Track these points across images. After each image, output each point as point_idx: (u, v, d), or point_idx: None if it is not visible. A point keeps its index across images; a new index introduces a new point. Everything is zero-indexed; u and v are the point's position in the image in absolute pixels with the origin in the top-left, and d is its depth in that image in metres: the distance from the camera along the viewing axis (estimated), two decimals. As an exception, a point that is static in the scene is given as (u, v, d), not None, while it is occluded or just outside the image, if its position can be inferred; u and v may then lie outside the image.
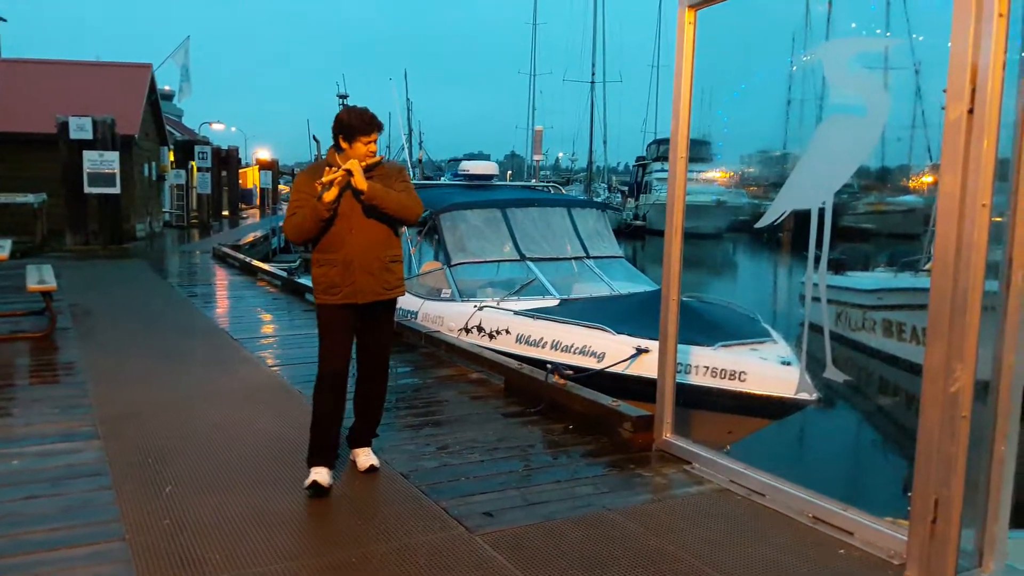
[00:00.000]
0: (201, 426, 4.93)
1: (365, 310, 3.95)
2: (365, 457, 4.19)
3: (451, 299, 8.07)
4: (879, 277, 13.54)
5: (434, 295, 8.35)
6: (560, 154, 75.92)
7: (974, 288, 2.71)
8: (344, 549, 3.31)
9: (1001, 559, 3.01)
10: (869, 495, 6.81)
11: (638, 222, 39.19)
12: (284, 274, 12.66)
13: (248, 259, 14.96)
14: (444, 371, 6.52)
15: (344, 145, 3.84)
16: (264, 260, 17.41)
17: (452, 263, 8.35)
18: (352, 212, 3.83)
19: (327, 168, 3.81)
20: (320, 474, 3.86)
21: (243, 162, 42.93)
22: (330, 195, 3.75)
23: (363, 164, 3.79)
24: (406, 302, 8.70)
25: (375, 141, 3.84)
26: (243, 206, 37.91)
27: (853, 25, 4.14)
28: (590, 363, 6.24)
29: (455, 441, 4.73)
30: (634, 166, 48.53)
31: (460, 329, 7.50)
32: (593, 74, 51.39)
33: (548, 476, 4.21)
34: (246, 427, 4.93)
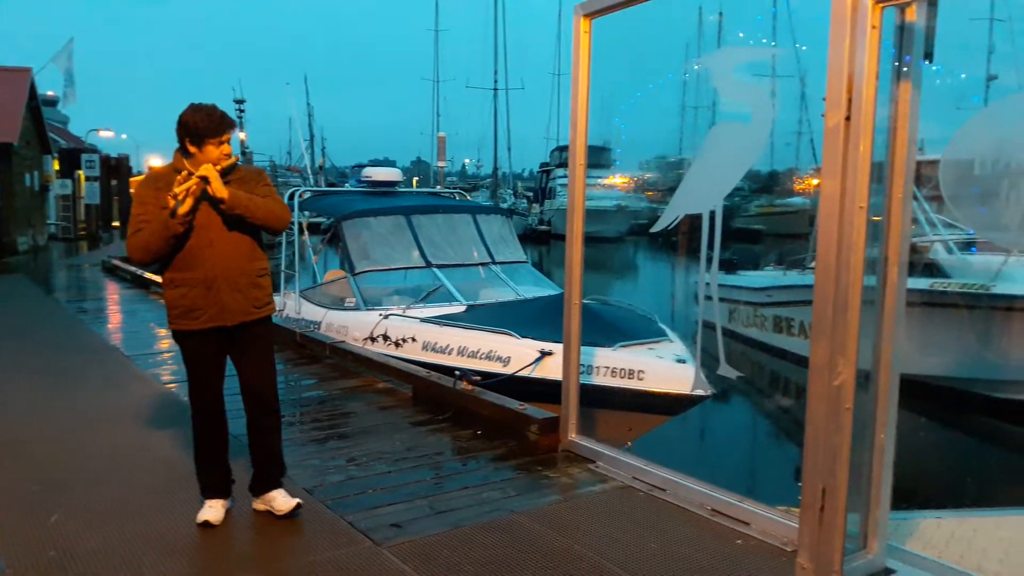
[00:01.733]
0: (92, 450, 4.69)
1: (235, 334, 3.53)
2: (284, 500, 3.69)
3: (356, 308, 7.96)
4: (768, 275, 14.20)
5: (338, 304, 8.22)
6: (466, 160, 76.08)
7: (854, 286, 2.86)
8: (246, 571, 3.21)
9: (883, 540, 3.19)
10: (764, 486, 7.11)
11: (543, 227, 39.73)
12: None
13: (141, 272, 14.35)
14: (350, 382, 6.42)
15: (193, 149, 3.38)
16: (158, 273, 16.67)
17: (356, 271, 8.24)
18: (210, 224, 3.39)
19: (177, 176, 3.35)
20: (212, 509, 3.59)
21: (135, 170, 41.15)
22: (185, 207, 3.29)
23: (218, 169, 3.34)
24: (308, 312, 8.54)
25: (228, 141, 3.43)
26: (135, 216, 36.21)
27: (741, 35, 4.33)
28: (496, 368, 6.28)
29: (362, 453, 4.67)
30: (538, 172, 49.16)
31: (366, 338, 7.42)
32: (496, 81, 51.78)
33: (457, 483, 4.20)
34: (141, 449, 4.72)
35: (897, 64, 3.04)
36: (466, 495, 4.01)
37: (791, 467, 7.58)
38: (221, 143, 3.41)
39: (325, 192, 12.53)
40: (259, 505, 3.76)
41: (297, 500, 3.70)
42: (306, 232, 9.33)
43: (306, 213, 9.65)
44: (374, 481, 4.21)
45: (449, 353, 6.71)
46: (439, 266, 8.28)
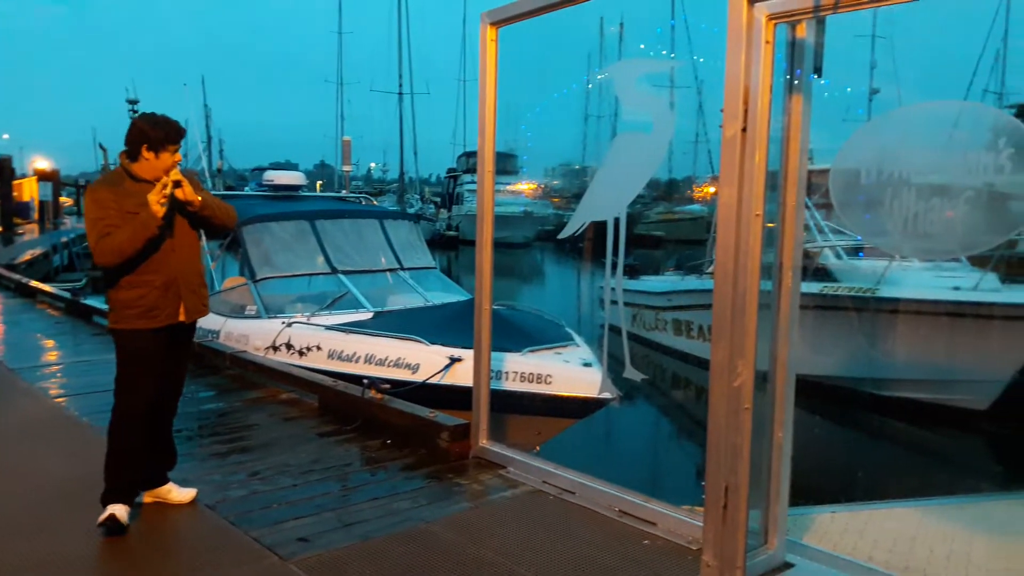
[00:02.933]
0: (-31, 470, 4.38)
1: (174, 332, 3.70)
2: (180, 491, 3.90)
3: (257, 316, 7.72)
4: (669, 280, 14.64)
5: (238, 312, 7.96)
6: (372, 164, 75.13)
7: (751, 290, 2.97)
8: (143, 592, 3.07)
9: (783, 535, 3.32)
10: (670, 485, 7.31)
11: (451, 232, 39.70)
12: (68, 295, 11.54)
13: (25, 280, 13.55)
14: (252, 393, 6.23)
15: (148, 155, 3.54)
16: (44, 280, 15.80)
17: (257, 278, 8.01)
18: (173, 227, 3.60)
19: (158, 180, 3.51)
20: (118, 508, 3.54)
21: (18, 172, 38.85)
22: (162, 210, 3.46)
23: (172, 175, 3.55)
24: (207, 321, 8.24)
25: (179, 150, 3.64)
26: (19, 221, 34.29)
27: (642, 46, 4.43)
28: (405, 375, 6.21)
29: (266, 467, 4.53)
30: (446, 177, 49.14)
31: (268, 348, 7.21)
32: (401, 85, 51.42)
33: (366, 494, 4.14)
34: (28, 466, 4.45)
35: (789, 78, 3.18)
36: (375, 506, 3.95)
37: (695, 467, 7.82)
38: (175, 151, 3.61)
39: (224, 196, 12.13)
40: (149, 498, 3.86)
41: (195, 489, 3.91)
42: (203, 237, 9.00)
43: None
44: (279, 495, 4.09)
45: (356, 361, 6.60)
46: (345, 272, 8.13)
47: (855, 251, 11.43)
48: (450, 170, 47.62)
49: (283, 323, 7.32)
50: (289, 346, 7.09)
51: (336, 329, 7.02)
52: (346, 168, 21.65)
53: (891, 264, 10.25)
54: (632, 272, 14.34)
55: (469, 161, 40.25)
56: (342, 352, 6.73)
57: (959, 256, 8.89)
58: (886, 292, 10.10)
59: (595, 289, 7.67)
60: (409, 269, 8.74)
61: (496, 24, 4.28)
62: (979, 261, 10.06)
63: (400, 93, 51.36)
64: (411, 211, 36.85)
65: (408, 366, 6.32)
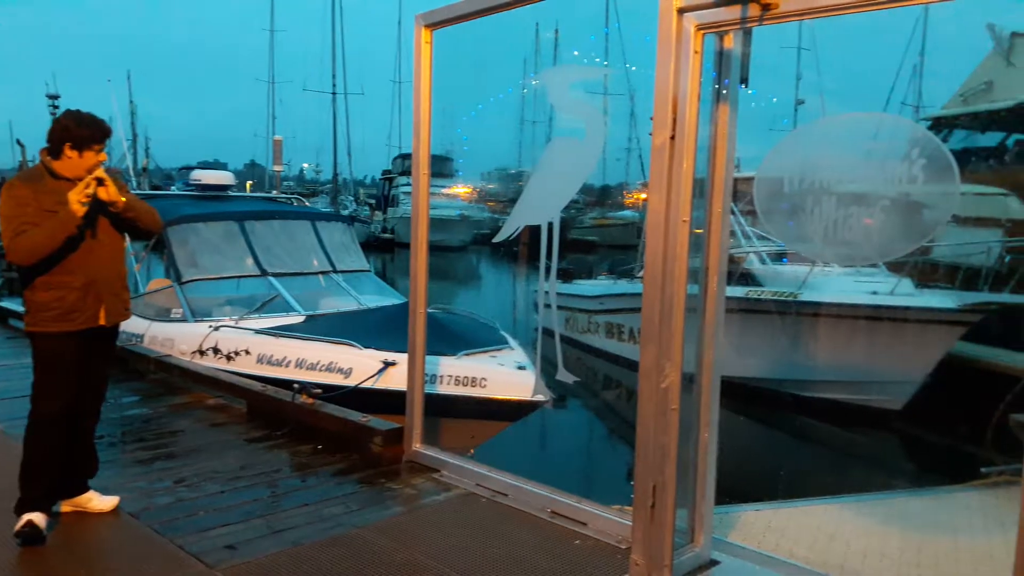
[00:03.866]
0: None
1: (94, 336, 3.59)
2: (101, 499, 3.79)
3: (183, 319, 7.52)
4: (601, 284, 14.88)
5: (163, 315, 7.73)
6: (305, 165, 73.90)
7: (678, 294, 3.05)
8: (60, 605, 2.96)
9: (709, 533, 3.40)
10: (601, 486, 7.40)
11: (387, 235, 39.36)
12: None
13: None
14: (178, 399, 6.07)
15: (71, 154, 3.45)
16: (26, 276, 14.98)
17: (183, 280, 7.80)
18: (93, 227, 3.50)
19: (80, 179, 3.41)
20: (35, 516, 3.41)
21: (-76, 168, 36.90)
22: (82, 209, 3.37)
23: (96, 173, 3.46)
24: (130, 325, 7.98)
25: (103, 149, 3.55)
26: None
27: (576, 53, 4.49)
28: (338, 380, 6.14)
29: (192, 473, 4.42)
30: (381, 179, 48.66)
31: (194, 352, 7.03)
32: (334, 85, 50.75)
33: (296, 500, 4.07)
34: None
35: (717, 87, 3.27)
36: (306, 512, 3.89)
37: (626, 467, 7.94)
38: (100, 150, 3.53)
39: (149, 195, 11.77)
40: (67, 507, 3.73)
41: (116, 497, 3.81)
42: (127, 238, 8.73)
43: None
44: (206, 502, 4.00)
45: (287, 366, 6.49)
46: (275, 275, 7.99)
47: (779, 256, 11.80)
48: (385, 172, 47.18)
49: (210, 327, 7.15)
50: (216, 350, 6.93)
51: (266, 333, 6.90)
52: (277, 168, 21.21)
53: (813, 269, 10.61)
54: (566, 276, 14.51)
55: (405, 163, 39.95)
56: (272, 356, 6.61)
57: (877, 262, 9.27)
58: (808, 296, 10.45)
59: (530, 293, 7.73)
60: (342, 272, 8.64)
61: (431, 26, 4.28)
62: (896, 267, 10.51)
63: (334, 93, 50.70)
64: (345, 213, 36.39)
65: (341, 370, 6.24)
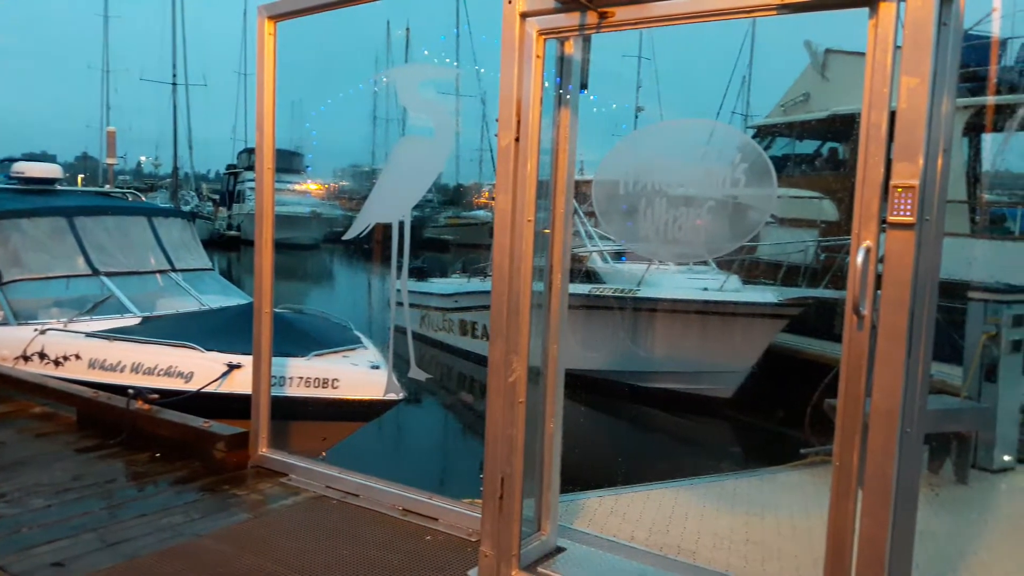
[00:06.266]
0: None
1: None
2: None
3: (4, 323, 6.96)
4: (455, 283, 15.02)
5: (-19, 319, 7.11)
6: (143, 158, 69.35)
7: (524, 291, 3.15)
8: None
9: (555, 522, 3.53)
10: (454, 481, 7.48)
11: (232, 232, 37.71)
12: None
13: None
14: (-3, 408, 5.59)
15: None
16: None
17: (4, 280, 7.21)
18: None
19: None
20: None
21: None
22: None
23: None
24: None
25: None
26: None
27: (426, 52, 4.53)
28: (178, 384, 5.87)
29: (14, 488, 4.10)
30: (225, 174, 46.51)
31: (17, 357, 6.51)
32: (175, 75, 48.02)
33: (133, 510, 3.87)
34: None
35: (560, 92, 3.40)
36: (143, 523, 3.71)
37: (477, 461, 8.06)
38: None
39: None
40: None
41: None
42: None
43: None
44: (30, 518, 3.73)
45: (121, 370, 6.13)
46: (108, 274, 7.54)
47: (618, 255, 12.34)
48: (230, 166, 45.13)
49: (35, 330, 6.66)
50: (43, 355, 6.46)
51: (98, 336, 6.50)
52: (110, 161, 19.86)
53: (650, 267, 11.18)
54: (420, 274, 14.52)
55: (250, 158, 38.15)
56: (105, 361, 6.23)
57: (707, 259, 9.90)
58: (645, 292, 11.03)
59: (385, 291, 7.69)
60: (182, 271, 8.27)
61: (274, 18, 4.19)
62: (725, 264, 11.25)
63: (174, 83, 47.93)
64: (186, 208, 34.57)
65: (181, 374, 5.97)
